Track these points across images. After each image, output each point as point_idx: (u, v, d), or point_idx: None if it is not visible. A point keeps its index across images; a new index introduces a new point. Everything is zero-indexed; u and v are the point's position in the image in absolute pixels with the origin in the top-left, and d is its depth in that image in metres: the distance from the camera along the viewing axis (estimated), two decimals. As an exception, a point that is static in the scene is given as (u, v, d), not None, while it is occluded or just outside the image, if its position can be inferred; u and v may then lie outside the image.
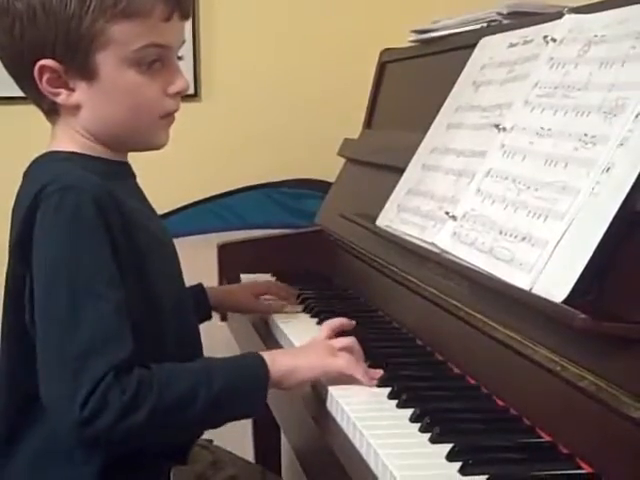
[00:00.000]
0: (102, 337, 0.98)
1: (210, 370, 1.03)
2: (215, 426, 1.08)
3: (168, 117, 1.15)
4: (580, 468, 0.89)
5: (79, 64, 1.07)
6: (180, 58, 1.16)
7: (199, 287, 1.46)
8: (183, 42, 1.15)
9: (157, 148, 1.17)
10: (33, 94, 1.12)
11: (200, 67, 2.27)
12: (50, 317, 1.00)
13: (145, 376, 0.98)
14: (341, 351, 1.14)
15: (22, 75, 1.10)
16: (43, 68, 1.07)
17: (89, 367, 0.96)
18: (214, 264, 1.87)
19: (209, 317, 1.48)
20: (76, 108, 1.10)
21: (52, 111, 1.13)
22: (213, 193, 2.33)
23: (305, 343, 1.21)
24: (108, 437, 0.98)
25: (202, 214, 2.31)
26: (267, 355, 1.08)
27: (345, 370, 1.12)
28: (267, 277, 1.78)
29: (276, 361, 1.07)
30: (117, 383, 0.96)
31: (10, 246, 1.08)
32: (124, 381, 0.97)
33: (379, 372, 1.15)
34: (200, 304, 1.42)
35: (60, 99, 1.10)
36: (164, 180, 2.07)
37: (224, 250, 1.88)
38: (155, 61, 1.10)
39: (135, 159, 1.21)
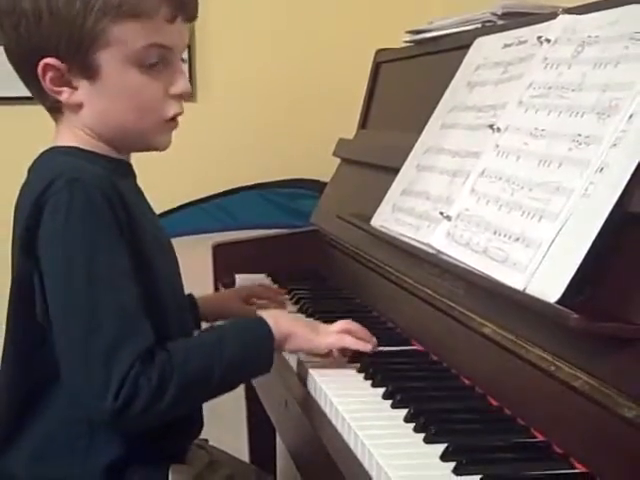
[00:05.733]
0: (126, 330, 1.02)
1: (221, 340, 1.09)
2: (233, 388, 1.13)
3: (171, 121, 1.15)
4: (574, 468, 0.89)
5: (81, 63, 1.08)
6: (184, 61, 1.17)
7: (190, 297, 1.45)
8: (187, 45, 1.17)
9: (158, 150, 1.18)
10: (37, 92, 1.12)
11: (196, 68, 2.28)
12: (71, 312, 1.03)
13: (165, 359, 1.03)
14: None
15: (27, 73, 1.11)
16: (46, 66, 1.08)
17: (117, 361, 1.00)
18: (209, 264, 1.87)
19: (198, 327, 1.47)
20: (78, 106, 1.11)
21: (55, 109, 1.14)
22: (208, 193, 2.33)
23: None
24: (142, 420, 1.04)
25: (197, 214, 2.31)
26: (270, 318, 1.14)
27: (336, 345, 1.18)
28: (262, 277, 1.78)
29: (278, 323, 1.14)
30: (143, 371, 1.01)
31: (14, 241, 1.09)
32: (149, 368, 1.01)
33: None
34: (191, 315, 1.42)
35: (63, 97, 1.10)
36: (159, 180, 2.05)
37: (219, 250, 1.88)
38: (157, 63, 1.10)
39: (131, 159, 1.21)
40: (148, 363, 1.01)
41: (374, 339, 1.22)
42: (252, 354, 1.12)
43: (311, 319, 1.47)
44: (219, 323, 1.29)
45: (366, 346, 1.19)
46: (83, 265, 1.02)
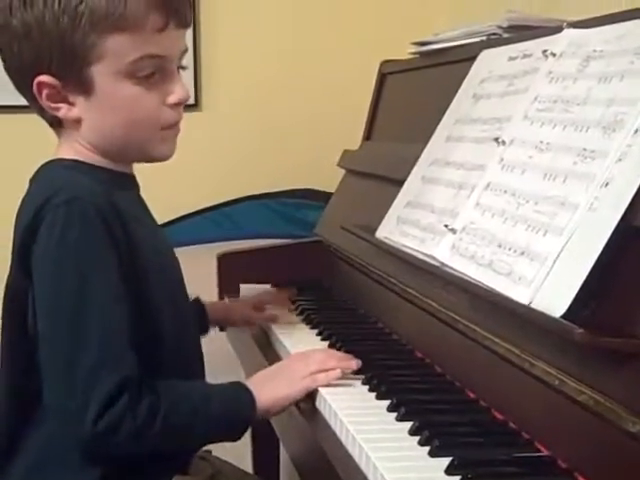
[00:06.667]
0: (109, 354, 1.01)
1: (207, 402, 1.09)
2: (204, 445, 1.18)
3: (171, 129, 1.14)
4: (578, 482, 0.89)
5: (75, 78, 1.08)
6: (184, 68, 1.15)
7: (197, 302, 1.46)
8: (185, 50, 1.14)
9: (161, 160, 1.17)
10: (36, 107, 1.13)
11: (201, 77, 2.28)
12: (58, 329, 1.03)
13: (154, 404, 1.03)
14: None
15: (24, 90, 1.12)
16: (41, 84, 1.08)
17: (97, 384, 1.00)
18: (214, 274, 1.87)
19: (206, 332, 1.48)
20: (77, 122, 1.11)
21: (56, 124, 1.14)
22: (213, 203, 2.33)
23: (285, 362, 1.25)
24: (115, 453, 1.04)
25: (202, 224, 2.31)
26: (255, 389, 1.12)
27: (311, 388, 1.16)
28: (267, 287, 1.78)
29: (261, 399, 1.12)
30: (131, 407, 1.01)
31: (12, 253, 1.09)
32: (137, 406, 1.01)
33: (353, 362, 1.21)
34: (198, 319, 1.42)
35: (61, 113, 1.10)
36: (164, 190, 2.07)
37: (224, 260, 1.88)
38: (153, 73, 1.09)
39: (136, 169, 1.21)
40: (136, 401, 1.01)
41: (351, 363, 1.21)
42: (232, 422, 1.11)
43: (315, 330, 1.48)
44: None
45: (337, 375, 1.18)
46: (74, 284, 1.02)
